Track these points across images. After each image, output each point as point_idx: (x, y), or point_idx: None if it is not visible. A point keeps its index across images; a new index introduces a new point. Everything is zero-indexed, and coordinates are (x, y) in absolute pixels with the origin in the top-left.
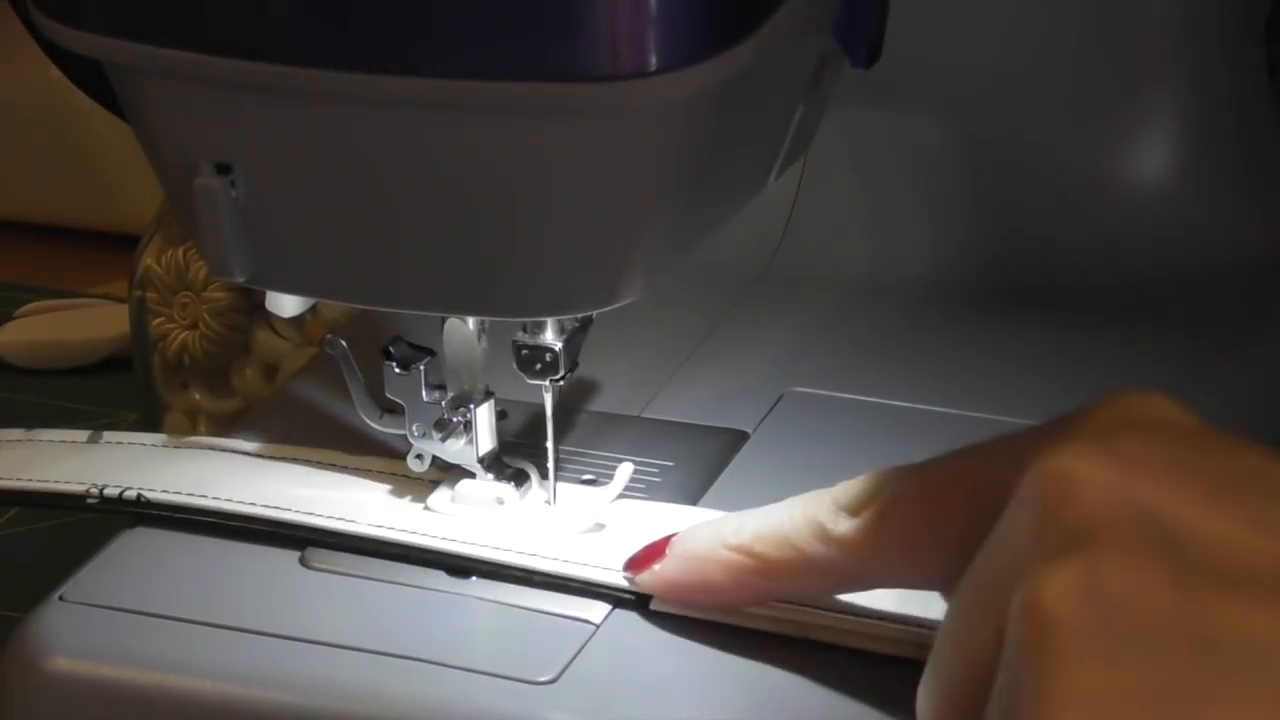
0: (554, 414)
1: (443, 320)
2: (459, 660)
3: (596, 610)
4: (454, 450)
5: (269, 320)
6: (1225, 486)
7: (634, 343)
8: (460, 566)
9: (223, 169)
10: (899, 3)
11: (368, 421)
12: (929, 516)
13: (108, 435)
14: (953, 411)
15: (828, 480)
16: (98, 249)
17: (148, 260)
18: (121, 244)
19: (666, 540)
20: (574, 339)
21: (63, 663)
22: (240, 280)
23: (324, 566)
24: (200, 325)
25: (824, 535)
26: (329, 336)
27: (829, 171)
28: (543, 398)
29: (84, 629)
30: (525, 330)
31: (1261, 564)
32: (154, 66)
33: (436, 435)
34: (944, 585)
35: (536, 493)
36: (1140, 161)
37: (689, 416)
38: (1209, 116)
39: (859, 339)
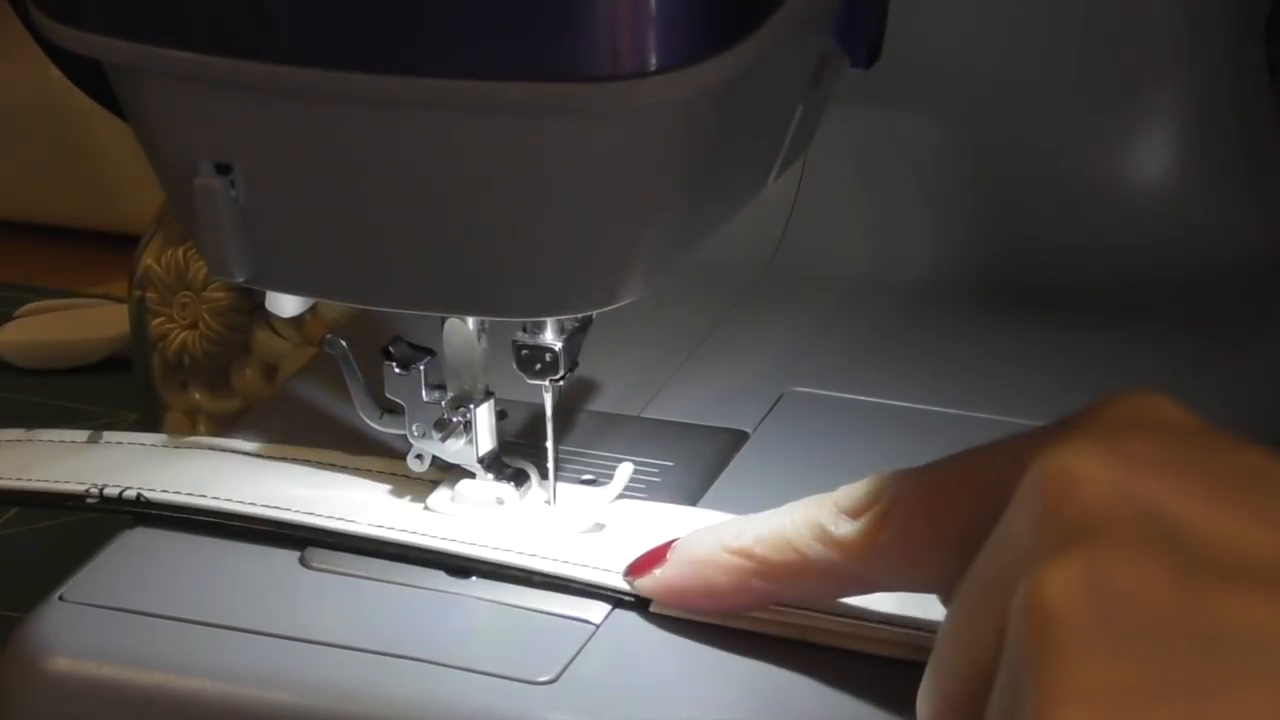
0: (554, 414)
1: (443, 320)
2: (459, 660)
3: (596, 610)
4: (454, 450)
5: (269, 320)
6: (1226, 484)
7: (634, 343)
8: (460, 566)
9: (223, 169)
10: (899, 3)
11: (368, 421)
12: (931, 518)
13: (108, 435)
14: (953, 411)
15: (828, 480)
16: (98, 249)
17: (148, 260)
18: (121, 244)
19: (667, 545)
20: (574, 339)
21: (63, 663)
22: (240, 280)
23: (324, 566)
24: (200, 325)
25: (825, 538)
26: (329, 336)
27: (829, 171)
28: (543, 398)
29: (84, 629)
30: (525, 330)
31: (1262, 558)
32: (153, 66)
33: (436, 435)
34: (945, 588)
35: (536, 493)
36: (1140, 161)
37: (689, 416)
38: (1209, 116)
39: (859, 339)
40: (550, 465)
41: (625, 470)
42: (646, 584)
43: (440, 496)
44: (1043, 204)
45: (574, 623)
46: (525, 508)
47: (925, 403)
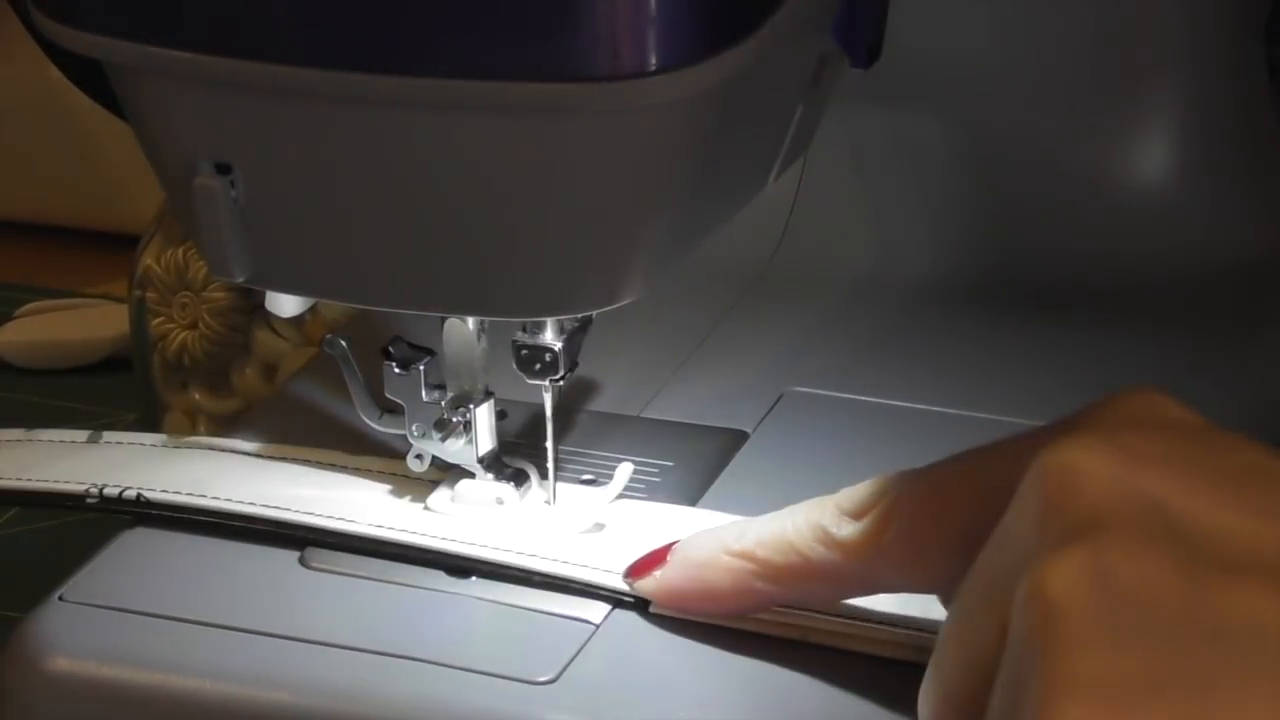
0: (554, 414)
1: (443, 320)
2: (458, 660)
3: (596, 610)
4: (454, 450)
5: (269, 320)
6: (1227, 480)
7: (634, 343)
8: (460, 566)
9: (223, 169)
10: (899, 3)
11: (368, 421)
12: (933, 519)
13: (107, 435)
14: (953, 411)
15: (828, 480)
16: (98, 249)
17: (148, 260)
18: (121, 244)
19: (668, 548)
20: (574, 339)
21: (62, 663)
22: (240, 280)
23: (323, 566)
24: (200, 325)
25: (827, 539)
26: (329, 336)
27: (829, 171)
28: (542, 398)
29: (84, 629)
30: (525, 330)
31: (1265, 551)
32: (153, 66)
33: (436, 435)
34: (947, 588)
35: (536, 493)
36: (1140, 162)
37: (689, 416)
38: (1209, 116)
39: (859, 339)
40: (550, 465)
41: (625, 470)
42: (647, 586)
43: (440, 496)
44: (1043, 204)
45: (574, 623)
46: (525, 508)
47: (925, 403)
